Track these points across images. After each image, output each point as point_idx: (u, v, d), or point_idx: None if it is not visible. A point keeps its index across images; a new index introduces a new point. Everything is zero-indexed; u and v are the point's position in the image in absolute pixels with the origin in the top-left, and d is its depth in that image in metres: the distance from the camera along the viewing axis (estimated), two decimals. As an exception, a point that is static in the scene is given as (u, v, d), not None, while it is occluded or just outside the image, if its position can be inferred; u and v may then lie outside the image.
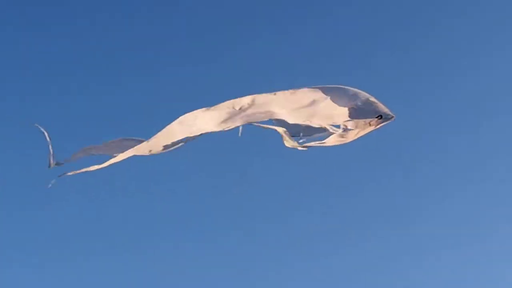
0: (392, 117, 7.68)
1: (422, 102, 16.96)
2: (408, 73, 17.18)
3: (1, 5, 16.68)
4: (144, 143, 7.60)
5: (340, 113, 7.75)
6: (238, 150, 15.25)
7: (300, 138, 7.83)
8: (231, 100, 7.70)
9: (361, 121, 7.72)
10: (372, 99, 7.79)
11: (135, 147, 7.57)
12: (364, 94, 7.84)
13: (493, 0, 17.69)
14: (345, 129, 7.73)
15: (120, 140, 8.02)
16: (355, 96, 7.82)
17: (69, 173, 7.46)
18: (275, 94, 7.77)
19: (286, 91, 7.79)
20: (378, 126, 7.70)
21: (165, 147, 7.64)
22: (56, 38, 17.01)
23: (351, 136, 7.70)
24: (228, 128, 7.64)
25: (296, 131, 7.89)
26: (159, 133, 7.54)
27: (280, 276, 15.61)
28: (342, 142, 7.72)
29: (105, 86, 16.81)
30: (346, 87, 7.90)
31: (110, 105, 16.59)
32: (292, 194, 16.24)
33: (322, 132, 7.81)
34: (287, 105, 7.77)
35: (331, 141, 7.73)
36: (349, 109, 7.76)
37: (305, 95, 7.79)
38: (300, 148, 7.75)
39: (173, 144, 7.61)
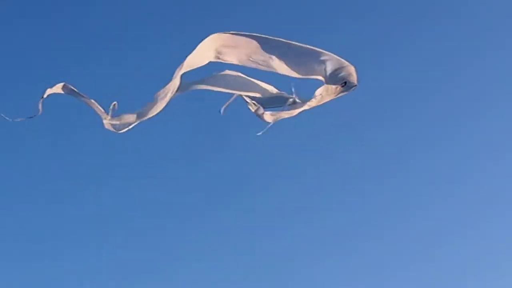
0: (355, 85, 7.80)
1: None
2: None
3: None
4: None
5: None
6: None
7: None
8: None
9: (330, 88, 7.86)
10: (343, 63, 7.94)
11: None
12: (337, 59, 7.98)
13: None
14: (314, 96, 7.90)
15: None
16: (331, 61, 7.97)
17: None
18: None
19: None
20: (340, 95, 7.84)
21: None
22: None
23: (314, 103, 7.84)
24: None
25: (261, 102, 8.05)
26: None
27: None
28: (306, 108, 7.88)
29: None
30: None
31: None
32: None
33: (284, 103, 7.98)
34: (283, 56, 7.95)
35: (299, 110, 7.90)
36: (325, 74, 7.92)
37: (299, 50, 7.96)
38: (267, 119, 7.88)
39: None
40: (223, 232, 16.13)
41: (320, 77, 7.80)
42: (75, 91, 7.63)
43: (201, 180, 16.46)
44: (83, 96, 7.63)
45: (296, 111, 7.84)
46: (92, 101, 7.61)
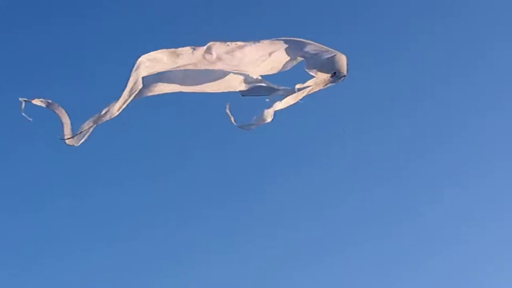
0: (344, 75, 7.67)
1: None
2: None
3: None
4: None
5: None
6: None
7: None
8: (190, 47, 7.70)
9: (319, 78, 7.72)
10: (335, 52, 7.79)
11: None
12: (326, 48, 7.83)
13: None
14: (300, 89, 7.75)
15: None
16: (318, 49, 7.82)
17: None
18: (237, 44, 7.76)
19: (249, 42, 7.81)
20: (328, 85, 7.71)
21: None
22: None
23: (303, 94, 7.71)
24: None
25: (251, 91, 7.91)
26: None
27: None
28: (293, 102, 7.73)
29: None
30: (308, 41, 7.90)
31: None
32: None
33: (274, 92, 7.83)
34: (251, 57, 7.77)
35: (286, 102, 7.75)
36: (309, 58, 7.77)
37: (269, 46, 7.79)
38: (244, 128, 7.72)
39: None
40: (222, 231, 16.08)
41: (301, 58, 7.66)
42: (55, 105, 7.54)
43: (199, 180, 16.42)
44: (60, 111, 7.55)
45: (269, 113, 7.66)
46: (67, 118, 7.55)
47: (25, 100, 7.41)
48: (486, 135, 17.17)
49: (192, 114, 14.47)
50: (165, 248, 15.80)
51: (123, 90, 7.49)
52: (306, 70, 7.73)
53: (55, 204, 15.92)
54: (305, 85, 7.75)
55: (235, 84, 7.86)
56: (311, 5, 16.88)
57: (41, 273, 15.59)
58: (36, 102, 7.52)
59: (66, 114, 7.58)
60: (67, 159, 15.23)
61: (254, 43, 7.72)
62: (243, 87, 7.87)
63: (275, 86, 7.87)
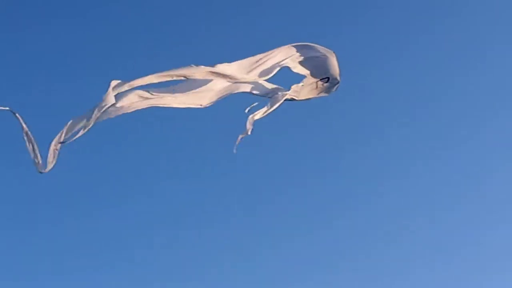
0: (338, 82, 7.61)
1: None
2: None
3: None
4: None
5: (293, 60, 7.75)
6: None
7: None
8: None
9: (311, 81, 7.65)
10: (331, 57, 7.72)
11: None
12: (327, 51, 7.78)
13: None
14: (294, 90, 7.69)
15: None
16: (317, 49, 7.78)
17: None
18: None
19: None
20: (321, 93, 7.63)
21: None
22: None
23: (283, 98, 7.59)
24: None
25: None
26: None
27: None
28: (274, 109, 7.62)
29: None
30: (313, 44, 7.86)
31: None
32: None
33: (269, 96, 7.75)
34: (240, 69, 7.66)
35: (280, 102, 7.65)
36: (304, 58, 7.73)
37: (259, 58, 7.71)
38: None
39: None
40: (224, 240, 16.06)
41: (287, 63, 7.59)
42: (29, 138, 7.28)
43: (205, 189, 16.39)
44: (33, 145, 7.28)
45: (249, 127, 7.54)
46: (37, 151, 7.27)
47: (11, 111, 7.19)
48: (487, 135, 17.17)
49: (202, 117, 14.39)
50: (166, 254, 15.84)
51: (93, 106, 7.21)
52: (294, 67, 7.66)
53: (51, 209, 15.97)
54: (292, 88, 7.69)
55: (216, 92, 7.64)
56: (311, 5, 16.88)
57: (41, 276, 15.65)
58: (22, 123, 7.28)
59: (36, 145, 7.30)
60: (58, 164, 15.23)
61: (243, 60, 7.65)
62: (222, 94, 7.65)
63: (262, 92, 7.70)
